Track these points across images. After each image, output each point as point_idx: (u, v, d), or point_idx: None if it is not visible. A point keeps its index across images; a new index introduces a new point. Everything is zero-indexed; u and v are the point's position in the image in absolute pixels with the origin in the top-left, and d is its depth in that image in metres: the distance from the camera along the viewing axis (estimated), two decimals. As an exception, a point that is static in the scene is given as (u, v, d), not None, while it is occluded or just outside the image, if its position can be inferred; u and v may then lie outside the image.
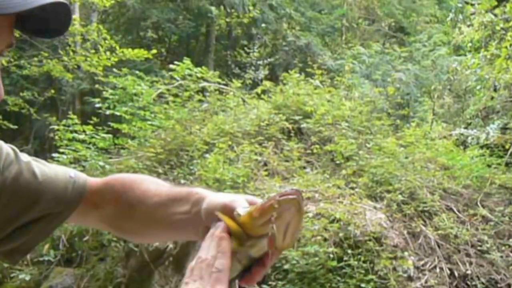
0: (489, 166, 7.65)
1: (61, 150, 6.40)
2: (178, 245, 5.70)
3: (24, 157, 1.45)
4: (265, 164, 6.93)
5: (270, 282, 5.00)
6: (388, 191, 6.60)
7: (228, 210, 1.14)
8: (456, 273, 5.88)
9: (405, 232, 6.27)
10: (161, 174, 6.25)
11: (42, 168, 1.46)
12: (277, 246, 1.08)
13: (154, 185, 1.43)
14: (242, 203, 1.15)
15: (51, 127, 7.30)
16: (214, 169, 6.05)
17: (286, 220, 1.07)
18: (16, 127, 12.72)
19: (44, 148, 13.32)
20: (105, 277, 6.07)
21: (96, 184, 1.52)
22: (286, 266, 4.97)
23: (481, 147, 8.43)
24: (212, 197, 1.25)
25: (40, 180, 1.44)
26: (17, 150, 1.45)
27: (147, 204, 1.40)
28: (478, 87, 10.29)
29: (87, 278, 6.21)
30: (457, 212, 6.63)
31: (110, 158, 6.33)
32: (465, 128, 9.95)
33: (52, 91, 14.35)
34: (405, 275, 5.79)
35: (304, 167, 7.13)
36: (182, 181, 6.21)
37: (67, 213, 1.46)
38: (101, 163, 5.99)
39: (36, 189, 1.42)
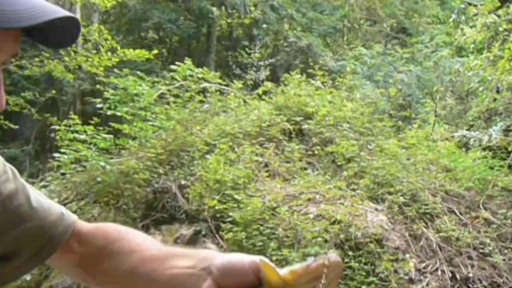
0: (491, 168, 7.62)
1: (62, 150, 6.38)
2: (178, 245, 5.67)
3: (22, 180, 1.42)
4: (266, 165, 6.91)
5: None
6: (390, 193, 6.58)
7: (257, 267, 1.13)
8: (458, 276, 5.85)
9: (406, 234, 6.24)
10: (162, 175, 6.24)
11: (37, 196, 1.42)
12: None
13: (151, 241, 1.38)
14: (270, 262, 1.14)
15: (52, 127, 7.28)
16: (215, 170, 6.02)
17: (328, 280, 1.11)
18: (17, 127, 12.74)
19: (45, 148, 13.33)
20: (105, 278, 6.05)
21: (86, 227, 1.47)
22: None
23: (484, 149, 8.39)
24: (230, 255, 1.20)
25: (33, 205, 1.39)
26: (16, 171, 1.41)
27: (141, 255, 1.32)
28: (481, 88, 10.26)
29: (87, 279, 6.19)
30: (459, 215, 6.60)
31: (111, 158, 6.32)
32: (468, 130, 9.92)
33: (53, 91, 14.36)
34: (407, 277, 5.76)
35: (305, 168, 7.10)
36: (183, 181, 6.19)
37: (52, 249, 1.40)
38: (102, 163, 5.97)
39: (26, 213, 1.37)
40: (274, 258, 4.96)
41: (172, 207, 6.14)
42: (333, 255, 1.12)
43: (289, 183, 6.49)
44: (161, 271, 1.27)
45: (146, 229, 6.04)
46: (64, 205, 6.67)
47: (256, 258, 1.13)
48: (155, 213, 6.12)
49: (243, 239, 5.18)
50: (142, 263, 1.30)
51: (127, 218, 6.07)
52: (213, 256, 1.22)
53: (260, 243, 5.16)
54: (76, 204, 6.60)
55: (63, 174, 6.79)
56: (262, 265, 1.12)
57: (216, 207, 5.65)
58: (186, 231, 5.78)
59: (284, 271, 1.11)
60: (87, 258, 1.42)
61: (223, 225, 5.40)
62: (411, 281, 5.79)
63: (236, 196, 5.74)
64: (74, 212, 4.99)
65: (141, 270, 1.30)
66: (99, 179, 6.05)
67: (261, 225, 5.35)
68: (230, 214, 5.48)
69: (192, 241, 5.67)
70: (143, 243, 1.35)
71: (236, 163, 6.47)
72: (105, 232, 1.42)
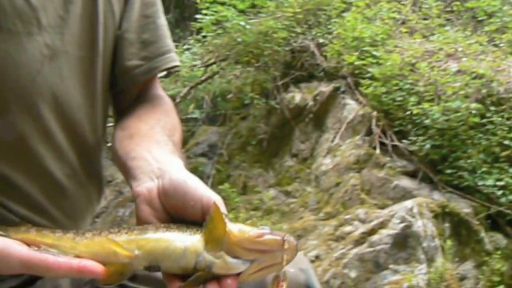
0: None
1: (203, 12, 6.54)
2: (317, 102, 5.83)
3: None
4: (404, 22, 6.80)
5: (410, 138, 5.05)
6: (535, 48, 6.34)
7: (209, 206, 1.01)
8: None
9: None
10: (299, 34, 6.31)
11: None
12: (242, 277, 0.98)
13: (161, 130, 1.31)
14: (222, 207, 1.03)
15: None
16: (352, 27, 6.01)
17: (274, 261, 0.99)
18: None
19: (184, 17, 13.62)
20: (248, 134, 6.34)
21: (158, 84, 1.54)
22: (427, 122, 4.99)
23: None
24: (192, 178, 1.08)
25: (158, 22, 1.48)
26: None
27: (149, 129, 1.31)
28: None
29: (231, 135, 6.51)
30: None
31: (250, 19, 6.44)
32: None
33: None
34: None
35: (444, 25, 6.93)
36: (321, 40, 6.24)
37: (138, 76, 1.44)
38: (242, 23, 6.10)
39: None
40: (415, 111, 5.02)
41: (311, 65, 6.23)
42: (293, 240, 0.98)
43: (427, 40, 6.39)
44: (137, 148, 1.23)
45: (285, 87, 6.23)
46: (206, 66, 6.97)
47: (214, 197, 1.03)
48: (294, 72, 6.26)
49: (382, 94, 5.24)
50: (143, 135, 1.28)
51: (268, 76, 6.26)
52: (178, 167, 1.14)
53: (400, 98, 5.20)
54: (218, 65, 6.85)
55: (204, 37, 7.01)
56: (213, 208, 0.99)
57: (355, 63, 5.70)
58: (325, 88, 5.89)
59: (234, 226, 0.99)
60: (128, 109, 1.45)
61: (362, 81, 5.47)
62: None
63: (374, 53, 5.74)
64: (216, 73, 5.25)
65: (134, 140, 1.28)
66: (239, 39, 6.20)
67: (401, 80, 5.36)
68: (369, 70, 5.53)
69: (331, 97, 5.79)
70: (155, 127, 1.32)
71: (373, 21, 6.42)
72: (158, 103, 1.46)
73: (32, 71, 1.18)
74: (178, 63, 1.50)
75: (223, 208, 1.01)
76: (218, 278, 0.97)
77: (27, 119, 1.20)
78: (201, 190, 1.03)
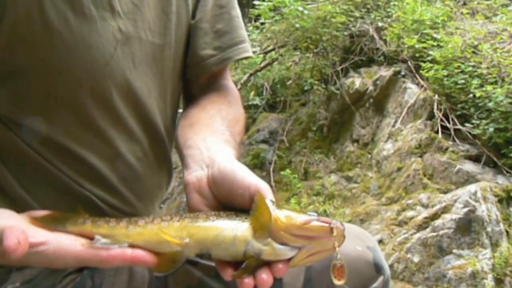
0: None
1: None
2: (378, 87, 5.79)
3: None
4: (465, 3, 6.68)
5: (473, 121, 4.98)
6: None
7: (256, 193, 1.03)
8: None
9: None
10: (358, 18, 6.27)
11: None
12: (293, 263, 1.00)
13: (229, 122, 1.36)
14: (270, 194, 1.04)
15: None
16: (412, 10, 5.93)
17: (323, 247, 1.00)
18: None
19: (243, 3, 13.65)
20: (308, 120, 6.35)
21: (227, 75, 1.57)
22: (490, 105, 4.90)
23: None
24: (240, 166, 1.10)
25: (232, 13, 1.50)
26: None
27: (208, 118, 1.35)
28: None
29: (291, 122, 6.54)
30: None
31: (307, 4, 6.41)
32: None
33: None
34: None
35: (507, 5, 6.77)
36: (380, 24, 6.17)
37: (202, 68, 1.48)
38: (300, 8, 6.08)
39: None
40: (477, 94, 4.93)
41: (370, 49, 6.18)
42: (340, 226, 0.99)
43: (490, 21, 6.25)
44: (193, 136, 1.27)
45: (345, 72, 6.20)
46: (265, 53, 6.99)
47: (261, 185, 1.04)
48: (353, 57, 6.22)
49: (444, 77, 5.17)
50: (198, 125, 1.33)
51: (327, 62, 6.25)
52: (228, 156, 1.17)
53: (462, 81, 5.12)
54: (276, 52, 6.86)
55: (262, 23, 7.03)
56: (258, 196, 1.01)
57: (416, 46, 5.63)
58: (385, 72, 5.84)
59: (281, 213, 1.00)
60: (193, 99, 1.50)
61: (423, 65, 5.40)
62: None
63: (435, 35, 5.66)
64: (275, 60, 5.25)
65: (193, 128, 1.33)
66: (297, 25, 6.18)
67: (463, 63, 5.28)
68: (430, 53, 5.45)
69: (392, 82, 5.74)
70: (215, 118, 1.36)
71: (433, 3, 6.33)
72: (222, 96, 1.48)
73: (106, 55, 1.22)
74: (250, 54, 1.52)
75: (270, 195, 1.03)
76: (269, 263, 0.99)
77: (98, 101, 1.23)
78: (249, 179, 1.05)
